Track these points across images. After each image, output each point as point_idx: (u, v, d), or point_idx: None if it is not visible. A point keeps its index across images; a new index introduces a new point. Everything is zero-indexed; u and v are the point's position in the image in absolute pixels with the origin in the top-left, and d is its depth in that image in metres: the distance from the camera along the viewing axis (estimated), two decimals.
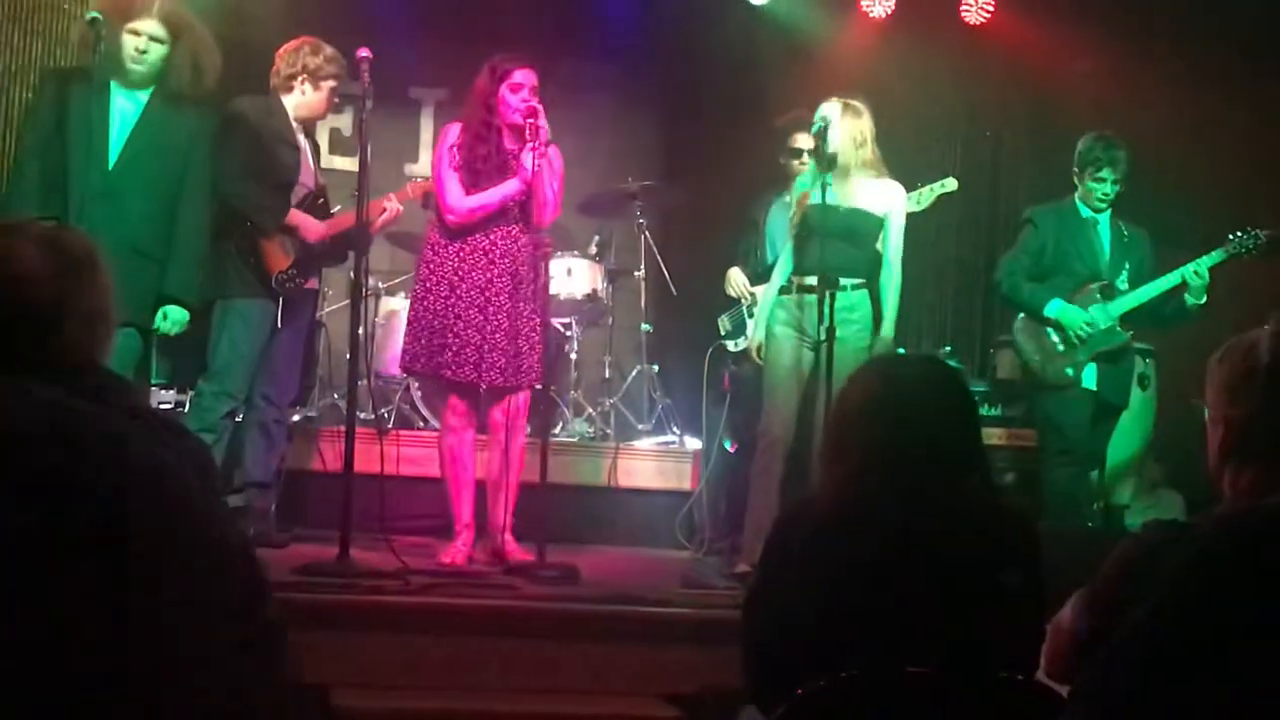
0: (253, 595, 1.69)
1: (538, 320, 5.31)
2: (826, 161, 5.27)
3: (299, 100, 5.74)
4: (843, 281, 5.24)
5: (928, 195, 6.01)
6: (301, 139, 5.80)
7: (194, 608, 1.45)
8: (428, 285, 5.27)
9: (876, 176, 5.39)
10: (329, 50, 5.74)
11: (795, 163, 6.26)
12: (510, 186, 5.22)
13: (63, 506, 1.47)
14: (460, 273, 5.23)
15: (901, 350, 6.12)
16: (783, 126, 6.37)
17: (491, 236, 5.25)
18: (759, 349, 5.51)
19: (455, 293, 5.22)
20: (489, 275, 5.23)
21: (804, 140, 6.07)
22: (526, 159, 5.14)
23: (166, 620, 1.35)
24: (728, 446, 6.52)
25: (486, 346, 5.18)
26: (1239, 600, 1.25)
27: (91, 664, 1.37)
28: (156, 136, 5.25)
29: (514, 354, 5.22)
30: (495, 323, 5.20)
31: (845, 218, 5.29)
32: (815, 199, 5.23)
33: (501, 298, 5.22)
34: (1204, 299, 5.78)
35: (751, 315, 6.28)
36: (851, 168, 5.31)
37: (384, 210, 5.79)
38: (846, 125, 5.31)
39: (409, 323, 5.34)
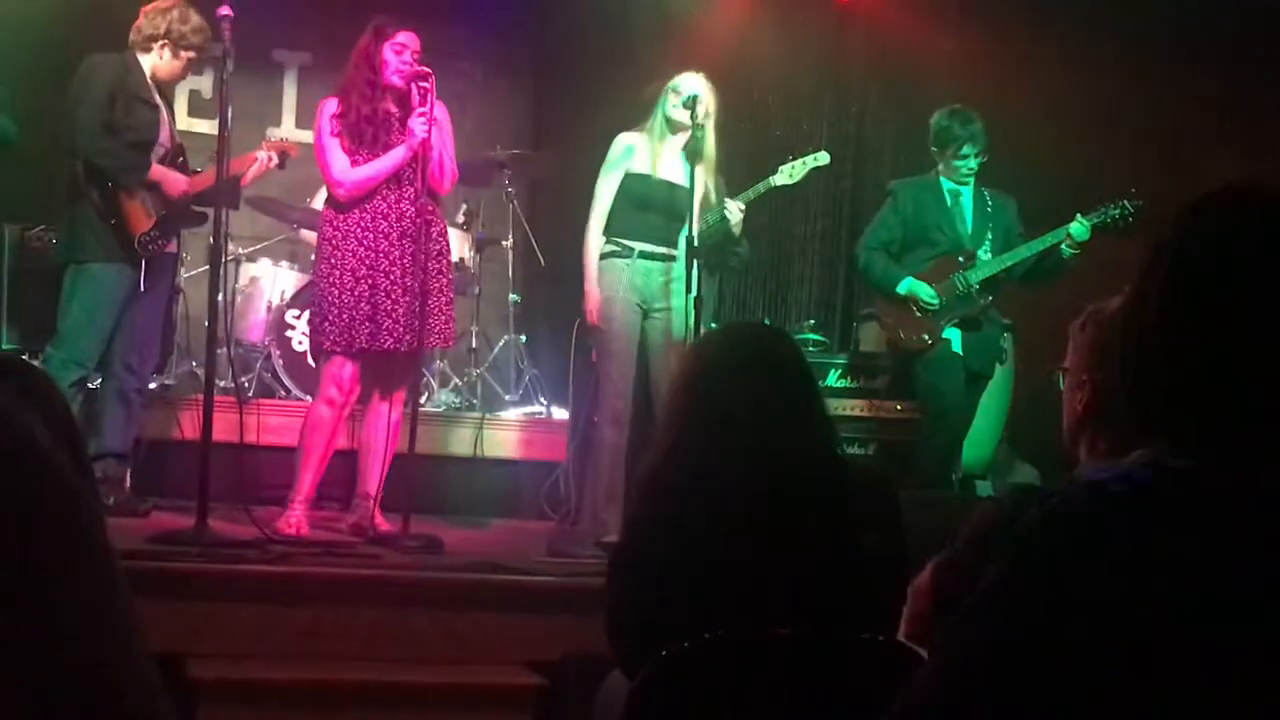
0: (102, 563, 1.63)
1: (446, 281, 5.24)
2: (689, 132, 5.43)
3: (155, 63, 5.55)
4: (678, 250, 5.34)
5: (800, 168, 6.02)
6: (158, 98, 5.62)
7: (50, 577, 1.39)
8: (334, 262, 5.05)
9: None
10: (196, 20, 5.52)
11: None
12: (398, 154, 5.05)
13: None
14: (366, 243, 5.05)
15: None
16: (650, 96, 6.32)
17: (389, 200, 5.09)
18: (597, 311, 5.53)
19: (367, 264, 5.03)
20: (391, 240, 5.06)
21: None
22: (417, 125, 5.01)
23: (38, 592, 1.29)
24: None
25: (413, 312, 5.00)
26: (1092, 558, 1.27)
27: None
28: None
29: (425, 317, 5.06)
30: (409, 286, 5.03)
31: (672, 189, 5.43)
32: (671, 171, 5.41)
33: (406, 260, 5.05)
34: (1080, 250, 5.77)
35: None
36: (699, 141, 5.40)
37: (254, 161, 5.61)
38: (708, 100, 5.42)
39: (327, 303, 5.06)
